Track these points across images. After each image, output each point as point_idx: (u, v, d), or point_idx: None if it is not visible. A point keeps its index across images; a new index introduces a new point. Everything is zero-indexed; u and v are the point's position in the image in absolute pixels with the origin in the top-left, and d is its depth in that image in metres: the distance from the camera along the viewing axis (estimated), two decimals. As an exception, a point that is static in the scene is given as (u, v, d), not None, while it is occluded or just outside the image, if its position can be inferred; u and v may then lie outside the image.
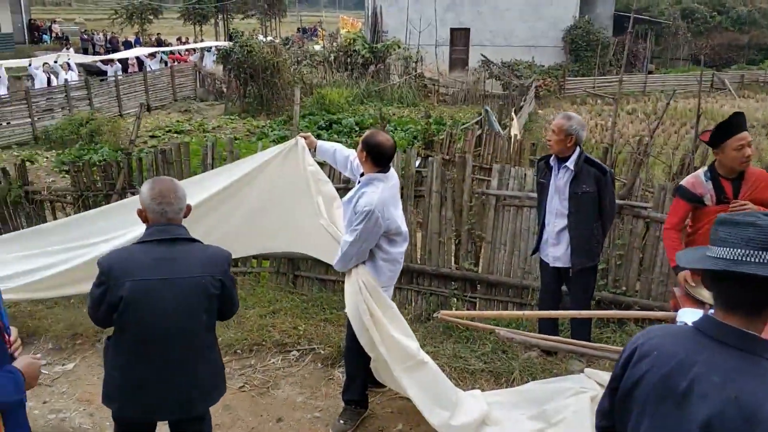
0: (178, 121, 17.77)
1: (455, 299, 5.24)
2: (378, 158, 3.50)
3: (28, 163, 13.05)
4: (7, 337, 2.20)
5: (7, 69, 18.40)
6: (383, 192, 3.48)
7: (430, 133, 8.72)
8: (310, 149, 3.93)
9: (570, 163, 4.11)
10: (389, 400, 4.14)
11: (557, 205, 4.22)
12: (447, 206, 5.14)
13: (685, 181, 3.83)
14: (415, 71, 21.63)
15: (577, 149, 4.13)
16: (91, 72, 22.47)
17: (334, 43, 23.41)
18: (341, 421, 3.82)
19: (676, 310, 2.91)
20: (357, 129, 14.61)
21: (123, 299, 2.51)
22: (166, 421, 2.85)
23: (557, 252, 4.27)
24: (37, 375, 2.24)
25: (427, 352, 4.33)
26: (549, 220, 4.28)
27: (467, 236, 5.16)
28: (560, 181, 4.18)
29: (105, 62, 22.56)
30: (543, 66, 25.69)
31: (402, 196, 5.29)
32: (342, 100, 18.20)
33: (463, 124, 11.86)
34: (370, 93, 20.41)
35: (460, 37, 27.43)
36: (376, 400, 4.12)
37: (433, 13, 25.20)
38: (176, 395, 2.68)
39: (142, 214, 2.69)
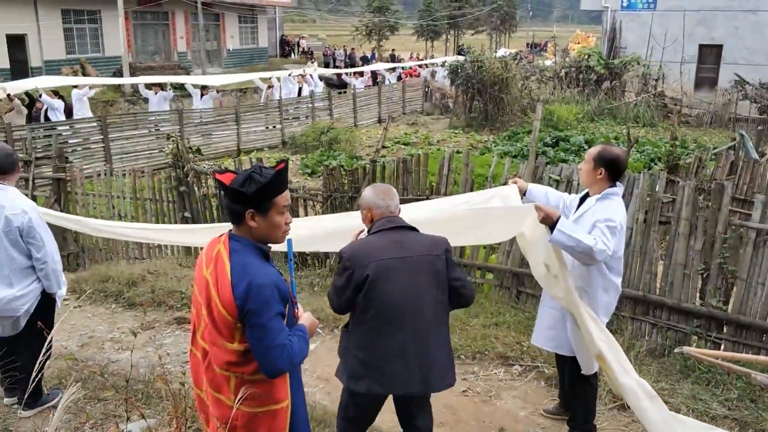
0: (405, 133, 18.68)
1: (696, 337, 4.81)
2: (617, 173, 3.44)
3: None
4: (296, 310, 2.53)
5: (261, 79, 20.82)
6: (623, 208, 3.38)
7: (675, 156, 8.10)
8: (520, 193, 3.73)
9: None
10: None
11: None
12: (697, 236, 4.75)
13: None
14: (655, 89, 20.22)
15: None
16: (329, 85, 24.62)
17: (567, 59, 22.80)
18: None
19: None
20: (585, 147, 14.09)
21: (368, 278, 2.86)
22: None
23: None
24: (315, 331, 2.57)
25: (661, 390, 4.08)
26: None
27: (717, 271, 4.72)
28: None
29: (355, 75, 24.35)
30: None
31: (645, 221, 5.04)
32: (571, 117, 17.68)
33: (714, 149, 10.82)
34: (602, 111, 19.54)
35: (709, 54, 25.03)
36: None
37: (680, 28, 23.38)
38: (418, 369, 2.91)
39: (369, 214, 3.05)
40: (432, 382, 2.96)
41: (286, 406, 2.48)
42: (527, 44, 48.05)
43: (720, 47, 24.85)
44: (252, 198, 2.30)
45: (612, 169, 3.42)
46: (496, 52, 27.31)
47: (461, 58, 22.01)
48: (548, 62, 25.62)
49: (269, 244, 2.47)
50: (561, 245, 3.23)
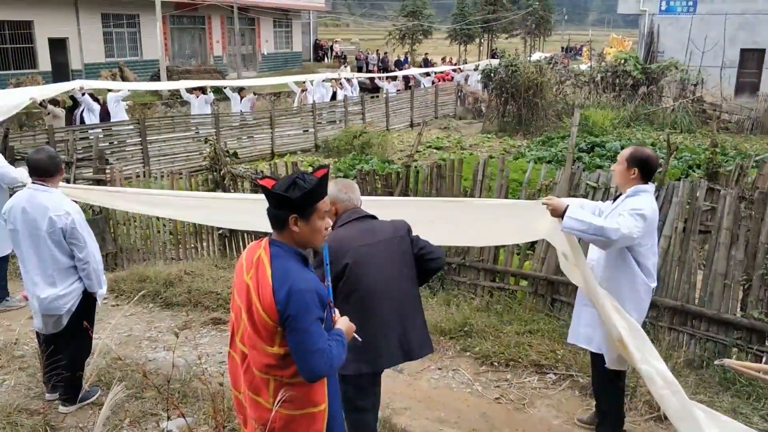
0: (438, 138, 18.65)
1: (737, 349, 4.70)
2: (649, 172, 3.57)
3: (310, 168, 14.75)
4: (333, 315, 2.55)
5: (296, 83, 20.98)
6: (654, 202, 3.50)
7: (715, 164, 7.91)
8: (557, 213, 3.52)
9: None
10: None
11: None
12: (738, 246, 4.65)
13: None
14: (693, 94, 19.82)
15: None
16: (362, 89, 24.69)
17: (602, 63, 22.49)
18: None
19: None
20: (622, 154, 13.87)
21: (348, 266, 3.07)
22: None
23: None
24: (351, 335, 2.60)
25: (700, 401, 3.99)
26: None
27: (760, 282, 4.60)
28: None
29: (387, 79, 24.42)
30: None
31: (684, 230, 4.94)
32: (606, 123, 17.43)
33: (758, 156, 10.55)
34: (638, 116, 19.22)
35: (751, 59, 24.45)
36: None
37: (721, 32, 22.89)
38: (398, 342, 3.19)
39: (333, 208, 3.18)
40: (412, 352, 3.25)
41: (323, 409, 2.51)
42: (562, 48, 47.61)
43: (763, 51, 24.25)
44: (296, 203, 2.34)
45: (644, 169, 3.54)
46: (530, 56, 27.11)
47: (495, 62, 21.88)
48: (584, 66, 25.30)
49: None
50: (573, 231, 3.33)
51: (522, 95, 18.50)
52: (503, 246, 5.91)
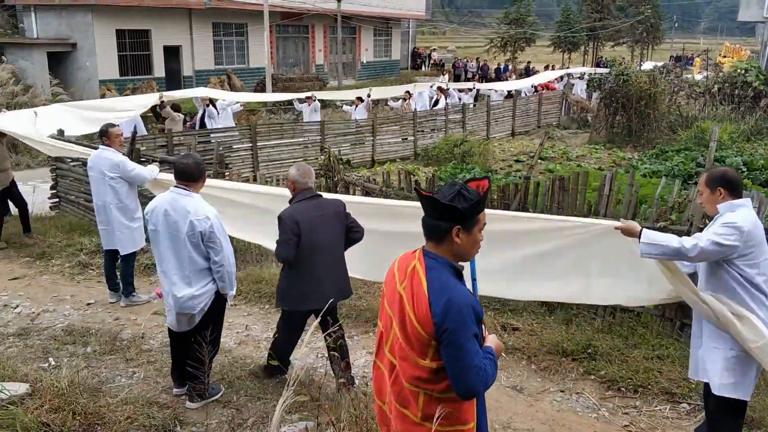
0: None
1: None
2: (735, 187, 3.46)
3: (422, 174, 14.77)
4: (483, 332, 2.45)
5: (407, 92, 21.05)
6: (753, 214, 3.37)
7: None
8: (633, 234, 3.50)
9: None
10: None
11: None
12: None
13: None
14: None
15: None
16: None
17: (720, 73, 21.19)
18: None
19: None
20: (744, 170, 12.97)
21: (302, 229, 4.19)
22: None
23: None
24: (500, 354, 2.50)
25: None
26: None
27: None
28: None
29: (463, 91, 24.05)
30: None
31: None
32: (725, 137, 16.36)
33: None
34: (760, 130, 17.93)
35: None
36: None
37: None
38: (336, 285, 4.37)
39: (293, 186, 4.36)
40: (343, 292, 4.50)
41: (471, 427, 2.43)
42: (671, 57, 45.38)
43: None
44: (462, 214, 2.29)
45: (728, 186, 3.43)
46: (640, 65, 25.97)
47: (601, 70, 21.12)
48: (698, 76, 23.96)
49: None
50: (651, 256, 3.34)
51: (633, 105, 17.72)
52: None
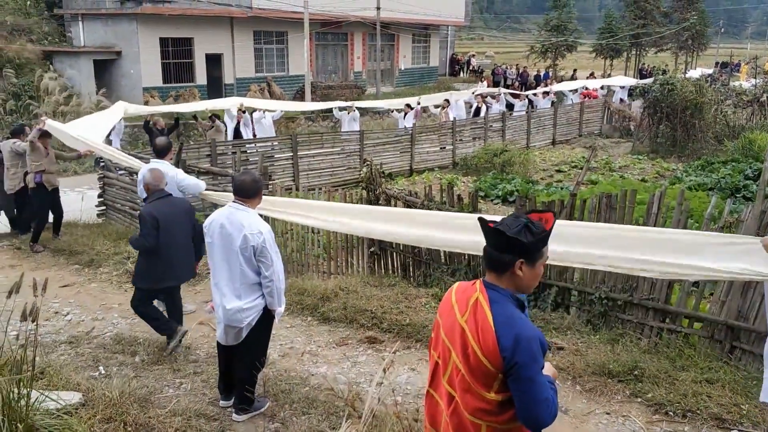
0: (583, 157, 17.86)
1: None
2: None
3: (460, 183, 14.68)
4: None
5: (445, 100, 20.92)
6: None
7: None
8: None
9: None
10: None
11: None
12: None
13: None
14: None
15: None
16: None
17: (769, 81, 20.60)
18: None
19: None
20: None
21: (159, 223, 5.26)
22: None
23: None
24: (556, 378, 2.50)
25: None
26: None
27: None
28: None
29: (543, 95, 23.67)
30: None
31: None
32: (775, 148, 15.91)
33: None
34: (814, 140, 17.36)
35: None
36: None
37: None
38: (183, 269, 5.58)
39: (148, 187, 5.55)
40: (190, 274, 5.82)
41: None
42: (716, 63, 44.25)
43: None
44: (527, 248, 2.30)
45: None
46: (685, 72, 25.40)
47: (643, 81, 20.69)
48: (745, 84, 23.31)
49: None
50: None
51: (678, 115, 17.35)
52: (679, 283, 5.49)
